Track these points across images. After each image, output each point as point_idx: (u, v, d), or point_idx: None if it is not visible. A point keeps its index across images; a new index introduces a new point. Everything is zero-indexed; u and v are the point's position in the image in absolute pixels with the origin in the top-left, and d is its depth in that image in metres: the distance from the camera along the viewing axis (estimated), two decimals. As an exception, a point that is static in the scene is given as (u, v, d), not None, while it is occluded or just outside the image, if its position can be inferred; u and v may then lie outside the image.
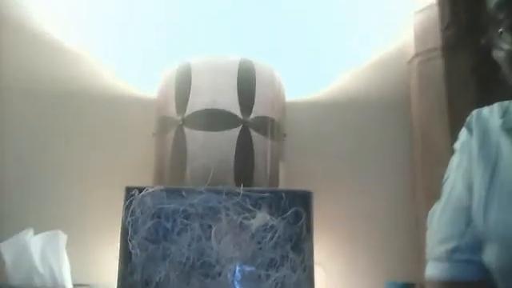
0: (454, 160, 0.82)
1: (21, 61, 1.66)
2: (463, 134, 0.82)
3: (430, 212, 0.83)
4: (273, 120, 1.43)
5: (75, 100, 1.64)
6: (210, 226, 1.17)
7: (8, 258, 1.28)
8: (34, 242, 1.31)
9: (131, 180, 1.26)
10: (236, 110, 1.36)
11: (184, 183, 1.29)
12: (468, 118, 0.82)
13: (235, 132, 1.34)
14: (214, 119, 1.35)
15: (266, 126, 1.40)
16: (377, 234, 1.58)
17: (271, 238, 1.16)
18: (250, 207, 1.18)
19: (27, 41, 1.66)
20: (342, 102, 1.67)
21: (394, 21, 1.68)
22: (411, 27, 1.57)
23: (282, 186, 1.42)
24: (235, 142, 1.34)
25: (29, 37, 1.66)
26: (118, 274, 1.17)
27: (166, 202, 1.19)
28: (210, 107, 1.36)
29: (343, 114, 1.67)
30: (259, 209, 1.18)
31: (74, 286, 1.35)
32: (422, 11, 1.54)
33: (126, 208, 1.18)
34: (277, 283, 1.15)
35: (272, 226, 1.17)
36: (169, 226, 1.18)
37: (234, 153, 1.33)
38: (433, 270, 0.78)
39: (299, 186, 1.32)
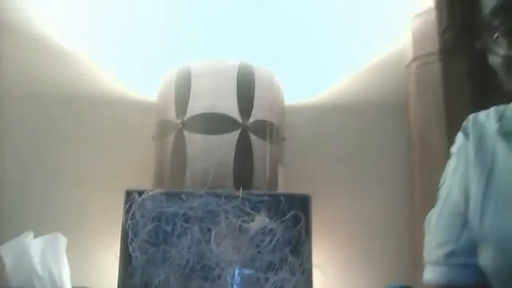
0: (451, 164, 0.83)
1: (21, 65, 1.66)
2: (459, 138, 0.83)
3: (427, 216, 0.83)
4: (272, 124, 1.43)
5: (75, 104, 1.65)
6: (209, 229, 1.17)
7: (8, 261, 1.28)
8: (34, 245, 1.30)
9: (131, 183, 1.27)
10: (235, 114, 1.37)
11: (184, 186, 1.30)
12: (464, 123, 0.83)
13: (234, 136, 1.35)
14: (214, 123, 1.36)
15: (265, 129, 1.41)
16: (375, 238, 1.58)
17: (270, 242, 1.17)
18: (249, 210, 1.18)
19: (27, 45, 1.67)
20: (340, 105, 1.68)
21: (392, 25, 1.68)
22: (409, 31, 1.58)
23: (281, 189, 1.43)
24: (234, 145, 1.34)
25: (29, 41, 1.67)
26: (118, 276, 1.18)
27: (166, 206, 1.19)
28: (209, 111, 1.37)
29: (342, 118, 1.67)
30: (258, 212, 1.18)
31: (74, 288, 1.35)
32: (420, 15, 1.55)
33: (126, 211, 1.19)
34: (276, 286, 1.15)
35: (271, 230, 1.17)
36: (169, 229, 1.18)
37: (234, 156, 1.33)
38: (430, 274, 0.79)
39: (298, 189, 1.32)
